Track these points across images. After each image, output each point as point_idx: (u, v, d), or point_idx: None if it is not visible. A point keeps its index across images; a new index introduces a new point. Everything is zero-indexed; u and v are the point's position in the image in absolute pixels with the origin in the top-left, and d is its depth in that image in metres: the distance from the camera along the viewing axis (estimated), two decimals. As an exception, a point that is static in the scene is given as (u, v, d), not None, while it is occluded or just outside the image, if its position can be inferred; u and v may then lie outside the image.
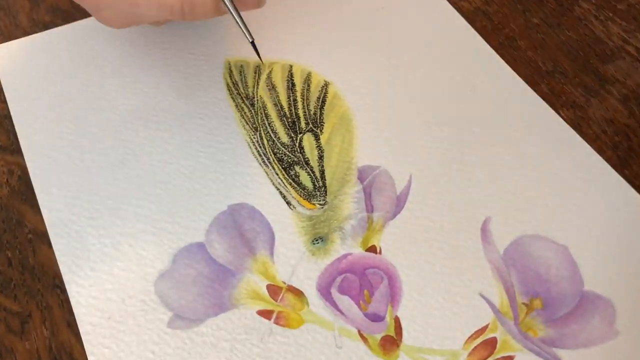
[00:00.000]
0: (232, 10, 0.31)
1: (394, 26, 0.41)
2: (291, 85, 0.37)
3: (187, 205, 0.33)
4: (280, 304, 0.30)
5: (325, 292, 0.31)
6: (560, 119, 0.37)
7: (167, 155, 0.34)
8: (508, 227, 0.33)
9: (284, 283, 0.31)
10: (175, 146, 0.35)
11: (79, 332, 0.29)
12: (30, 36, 0.39)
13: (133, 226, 0.32)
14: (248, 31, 0.32)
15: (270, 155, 0.35)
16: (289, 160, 0.34)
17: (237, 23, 0.32)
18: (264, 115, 0.36)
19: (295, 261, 0.31)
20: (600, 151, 0.36)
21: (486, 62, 0.39)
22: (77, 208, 0.33)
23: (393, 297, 0.31)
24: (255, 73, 0.38)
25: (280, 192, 0.33)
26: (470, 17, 0.42)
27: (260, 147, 0.35)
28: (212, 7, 0.31)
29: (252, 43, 0.33)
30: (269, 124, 0.36)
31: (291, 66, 0.38)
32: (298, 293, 0.31)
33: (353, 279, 0.31)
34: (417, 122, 0.36)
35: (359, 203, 0.33)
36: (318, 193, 0.33)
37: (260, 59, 0.34)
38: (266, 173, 0.34)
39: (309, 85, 0.37)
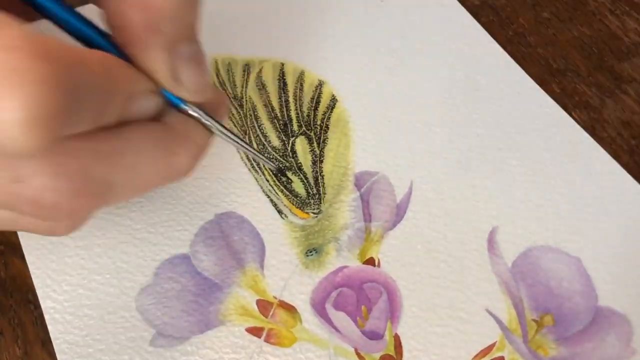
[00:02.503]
0: (240, 143, 0.30)
1: (393, 21, 0.41)
2: (283, 85, 0.37)
3: (171, 214, 0.33)
4: (271, 321, 0.30)
5: (319, 307, 0.31)
6: (573, 121, 0.37)
7: (150, 160, 0.35)
8: (516, 238, 0.33)
9: (275, 298, 0.31)
10: (158, 150, 0.35)
11: (54, 351, 0.29)
12: None
13: (112, 237, 0.32)
14: (267, 158, 0.33)
15: (261, 160, 0.35)
16: (281, 165, 0.35)
17: (251, 152, 0.31)
18: (253, 117, 0.36)
19: (287, 274, 0.32)
20: (616, 156, 0.36)
21: (493, 59, 0.40)
22: (52, 217, 0.33)
23: (393, 313, 0.31)
24: (244, 72, 0.38)
25: (271, 200, 0.34)
26: (476, 11, 0.42)
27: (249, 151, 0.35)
28: (210, 143, 0.28)
29: (280, 169, 0.34)
30: (258, 126, 0.36)
31: (283, 64, 0.38)
32: (290, 309, 0.31)
33: (349, 293, 0.31)
34: (419, 124, 0.37)
35: (356, 212, 0.33)
36: (312, 201, 0.34)
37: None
38: (256, 179, 0.34)
39: (302, 85, 0.37)
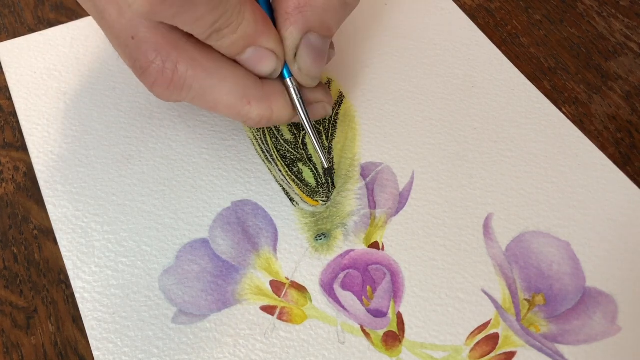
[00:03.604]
0: (312, 137, 0.32)
1: (396, 23, 0.41)
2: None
3: (191, 201, 0.33)
4: (284, 300, 0.30)
5: (328, 288, 0.31)
6: (563, 116, 0.37)
7: (171, 152, 0.35)
8: (510, 224, 0.33)
9: (287, 279, 0.31)
10: (179, 143, 0.35)
11: (84, 328, 0.29)
12: (35, 33, 0.39)
13: (137, 222, 0.32)
14: (326, 157, 0.33)
15: (274, 152, 0.35)
16: (292, 157, 0.34)
17: (315, 147, 0.32)
18: (267, 112, 0.36)
19: (298, 257, 0.31)
20: (602, 148, 0.36)
21: (488, 58, 0.39)
22: (82, 204, 0.33)
23: (395, 293, 0.31)
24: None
25: (284, 189, 0.33)
26: (473, 13, 0.42)
27: (263, 144, 0.35)
28: (288, 120, 0.31)
29: (329, 169, 0.34)
30: (272, 120, 0.36)
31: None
32: (301, 289, 0.31)
33: (356, 275, 0.31)
34: (420, 118, 0.36)
35: (361, 199, 0.33)
36: (321, 190, 0.33)
37: (333, 185, 0.34)
38: (269, 170, 0.34)
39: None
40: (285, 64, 0.30)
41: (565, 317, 0.30)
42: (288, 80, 0.30)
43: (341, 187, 0.34)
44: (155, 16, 0.26)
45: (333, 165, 0.34)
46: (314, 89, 0.32)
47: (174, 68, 0.28)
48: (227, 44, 0.28)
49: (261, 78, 0.30)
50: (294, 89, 0.31)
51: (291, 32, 0.29)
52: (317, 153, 0.32)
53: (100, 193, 0.33)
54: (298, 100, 0.31)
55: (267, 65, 0.29)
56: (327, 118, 0.36)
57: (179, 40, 0.28)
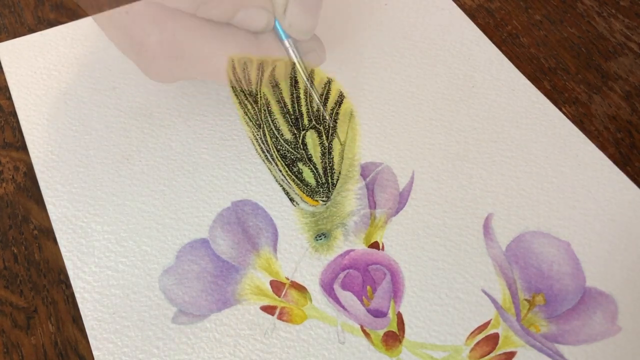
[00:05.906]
0: (310, 88, 0.33)
1: (396, 23, 0.41)
2: (294, 82, 0.37)
3: (191, 201, 0.33)
4: (284, 300, 0.30)
5: (328, 288, 0.31)
6: (563, 116, 0.37)
7: (171, 151, 0.35)
8: (510, 224, 0.33)
9: (287, 279, 0.31)
10: (178, 143, 0.35)
11: (84, 328, 0.29)
12: (35, 33, 0.39)
13: (137, 222, 0.32)
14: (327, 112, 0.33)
15: (274, 151, 0.35)
16: (292, 156, 0.34)
17: (315, 100, 0.33)
18: (267, 112, 0.36)
19: (298, 257, 0.31)
20: (602, 148, 0.36)
21: (488, 58, 0.39)
22: (82, 204, 0.33)
23: (395, 293, 0.31)
24: (258, 70, 0.38)
25: (284, 189, 0.33)
26: (473, 13, 0.42)
27: (263, 143, 0.35)
28: (286, 73, 0.33)
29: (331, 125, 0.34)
30: (272, 120, 0.36)
31: (294, 63, 0.38)
32: (301, 289, 0.31)
33: (356, 275, 0.31)
34: (420, 118, 0.36)
35: (361, 199, 0.33)
36: (321, 189, 0.33)
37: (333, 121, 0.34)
38: (269, 170, 0.34)
39: (312, 82, 0.37)
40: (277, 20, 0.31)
41: (565, 317, 0.30)
42: (282, 34, 0.31)
43: (341, 187, 0.34)
44: None
45: (331, 121, 0.35)
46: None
47: (172, 38, 0.28)
48: (217, 13, 0.28)
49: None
50: (288, 42, 0.31)
51: None
52: (319, 107, 0.33)
53: (100, 193, 0.33)
54: (294, 52, 0.32)
55: (259, 22, 0.30)
56: (327, 118, 0.36)
57: (174, 10, 0.28)
